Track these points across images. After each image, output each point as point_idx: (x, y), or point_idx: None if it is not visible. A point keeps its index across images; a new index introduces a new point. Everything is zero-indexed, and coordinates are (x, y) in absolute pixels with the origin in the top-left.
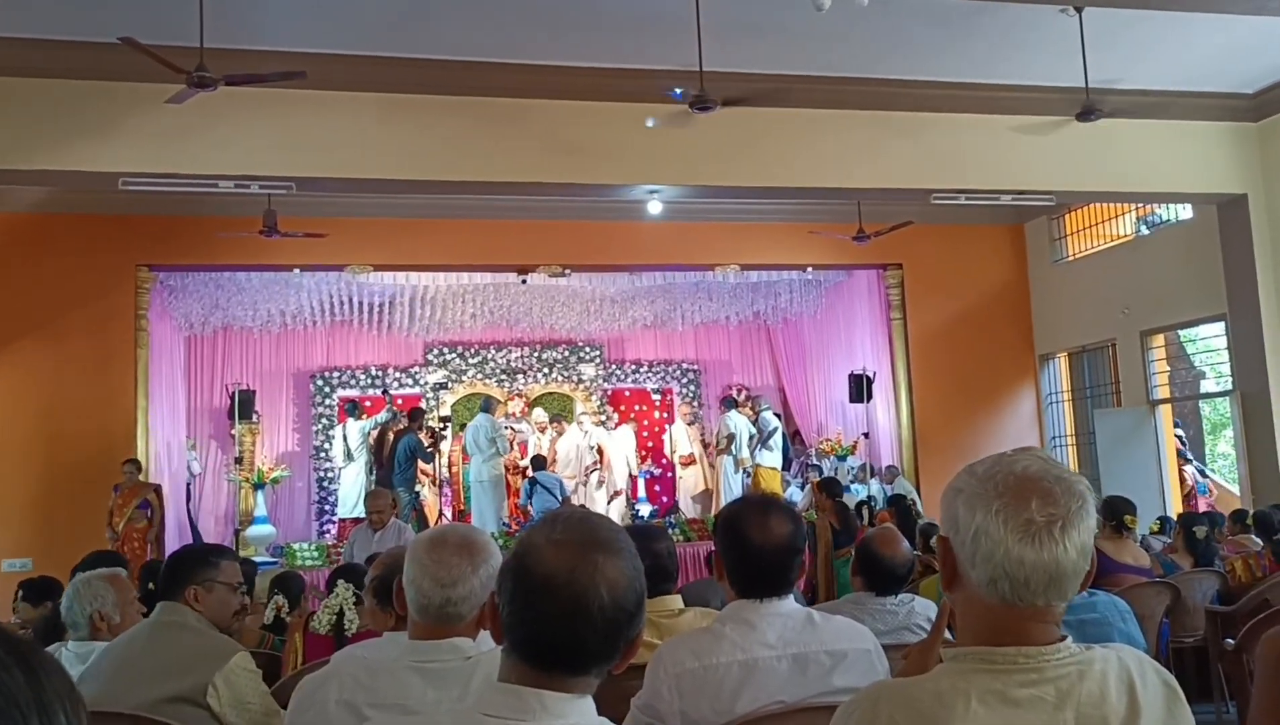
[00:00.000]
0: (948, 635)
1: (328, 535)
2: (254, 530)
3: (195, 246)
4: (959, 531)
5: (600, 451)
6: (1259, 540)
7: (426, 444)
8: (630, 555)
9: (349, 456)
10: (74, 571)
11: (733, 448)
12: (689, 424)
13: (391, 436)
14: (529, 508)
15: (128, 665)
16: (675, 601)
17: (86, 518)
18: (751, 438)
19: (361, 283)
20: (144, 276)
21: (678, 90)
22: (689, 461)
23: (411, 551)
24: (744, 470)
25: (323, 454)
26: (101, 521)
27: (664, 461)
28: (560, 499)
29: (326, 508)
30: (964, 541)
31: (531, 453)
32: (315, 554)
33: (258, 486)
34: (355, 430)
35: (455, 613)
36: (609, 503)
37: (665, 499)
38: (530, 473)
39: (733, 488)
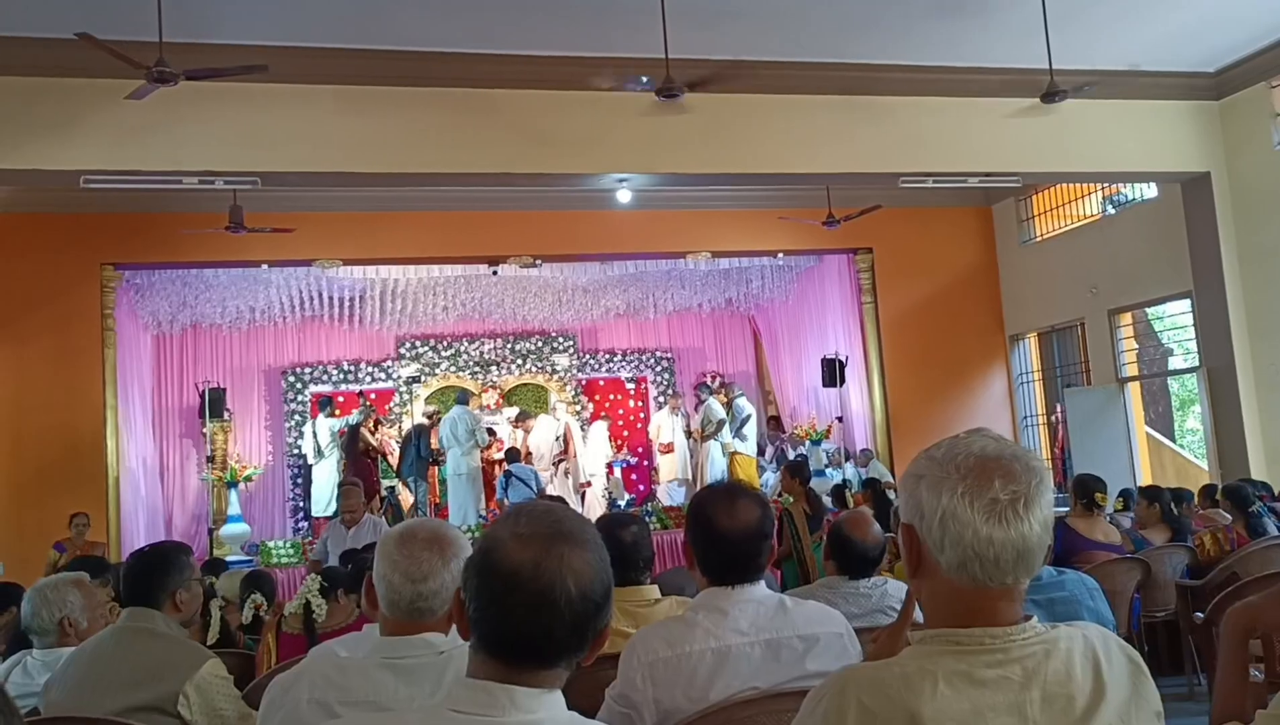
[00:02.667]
0: (917, 617)
1: (302, 532)
2: (228, 529)
3: (161, 244)
4: (924, 517)
5: (566, 441)
6: (1227, 514)
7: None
8: (596, 546)
9: (319, 453)
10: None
11: (721, 433)
12: (674, 413)
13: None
14: (505, 501)
15: (95, 673)
16: (651, 591)
17: (55, 520)
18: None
19: (331, 277)
20: (109, 275)
21: (644, 79)
22: (668, 449)
23: (381, 547)
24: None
25: (296, 451)
26: (67, 520)
27: (640, 451)
28: (536, 491)
29: (301, 504)
30: (930, 527)
31: (507, 445)
32: (291, 551)
33: (230, 485)
34: (325, 428)
35: (426, 607)
36: (578, 493)
37: (642, 488)
38: (505, 466)
39: (719, 473)
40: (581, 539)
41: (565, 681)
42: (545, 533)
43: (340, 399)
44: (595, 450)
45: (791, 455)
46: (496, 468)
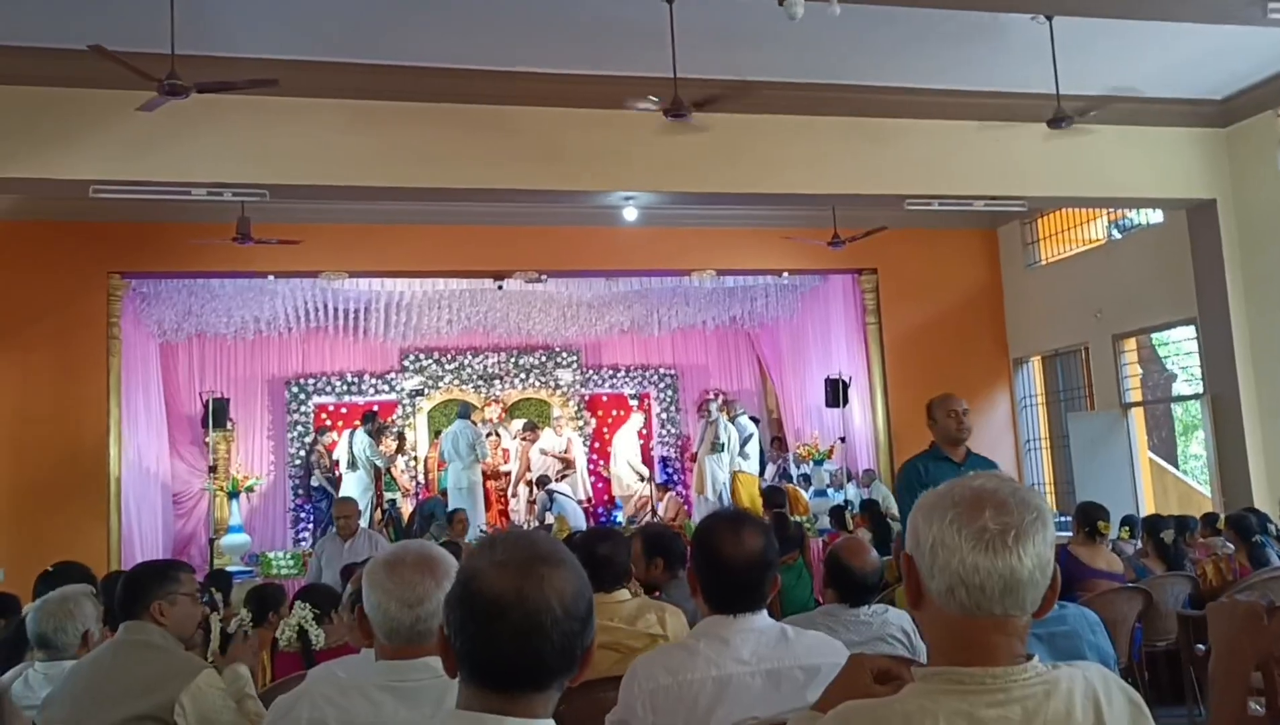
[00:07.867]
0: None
1: (304, 543)
2: (228, 539)
3: (168, 253)
4: (919, 545)
5: (567, 458)
6: (1230, 544)
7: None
8: (573, 564)
9: (352, 466)
10: (41, 579)
11: (724, 452)
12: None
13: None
14: (552, 515)
15: (94, 685)
16: (620, 594)
17: (57, 529)
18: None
19: (336, 289)
20: (116, 284)
21: (653, 98)
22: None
23: (370, 577)
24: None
25: (298, 462)
26: (67, 529)
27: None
28: (578, 500)
29: (302, 515)
30: (924, 554)
31: (514, 458)
32: (290, 562)
33: (232, 495)
34: (363, 441)
35: (426, 629)
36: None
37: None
38: (542, 488)
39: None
40: (559, 558)
41: (555, 705)
42: (523, 557)
43: (375, 408)
44: (628, 456)
45: (795, 474)
46: (498, 479)
